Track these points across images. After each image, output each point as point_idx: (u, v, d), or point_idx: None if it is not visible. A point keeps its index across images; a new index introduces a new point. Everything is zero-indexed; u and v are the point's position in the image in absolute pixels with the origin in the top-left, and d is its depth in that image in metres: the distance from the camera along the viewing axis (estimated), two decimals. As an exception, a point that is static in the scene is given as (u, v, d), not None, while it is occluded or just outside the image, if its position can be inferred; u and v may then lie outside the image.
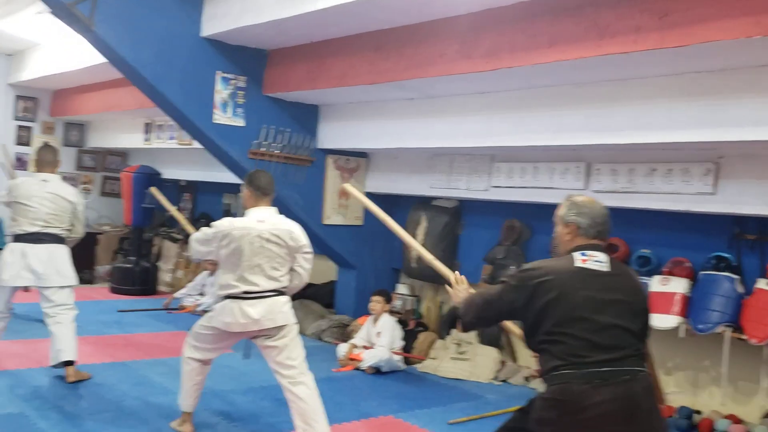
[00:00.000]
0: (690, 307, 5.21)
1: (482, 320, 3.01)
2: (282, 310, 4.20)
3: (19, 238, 5.39)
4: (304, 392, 4.15)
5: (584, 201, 2.98)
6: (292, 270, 4.30)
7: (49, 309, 5.37)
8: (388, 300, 6.57)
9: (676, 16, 3.94)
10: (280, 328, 4.18)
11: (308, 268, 4.37)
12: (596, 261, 2.82)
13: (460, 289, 3.07)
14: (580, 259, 2.83)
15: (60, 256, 5.47)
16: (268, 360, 4.27)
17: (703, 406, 5.42)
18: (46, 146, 6.00)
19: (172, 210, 5.38)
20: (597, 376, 2.64)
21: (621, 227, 5.91)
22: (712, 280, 5.17)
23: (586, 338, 2.67)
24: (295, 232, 4.24)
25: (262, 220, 4.20)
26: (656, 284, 5.37)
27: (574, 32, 4.43)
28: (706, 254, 5.36)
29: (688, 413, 5.19)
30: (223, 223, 4.23)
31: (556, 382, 2.68)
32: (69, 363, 5.31)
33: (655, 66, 4.47)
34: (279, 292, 4.23)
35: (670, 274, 5.40)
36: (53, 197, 5.50)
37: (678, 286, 5.27)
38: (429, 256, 3.46)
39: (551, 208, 5.97)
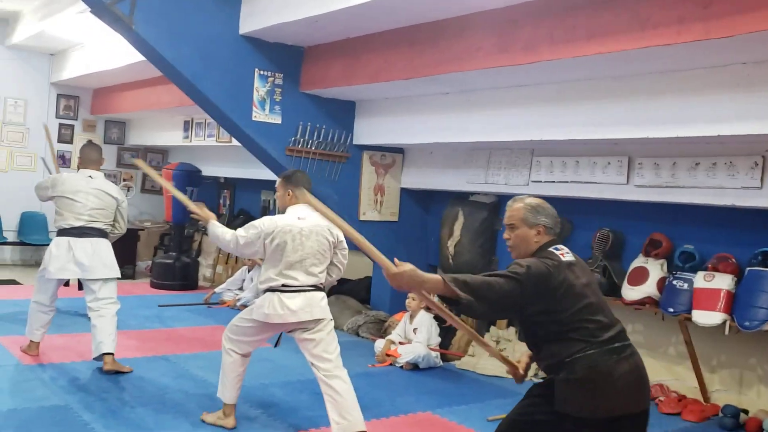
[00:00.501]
0: (735, 304, 5.09)
1: (492, 314, 3.09)
2: (320, 304, 4.31)
3: (65, 232, 5.50)
4: (339, 386, 4.22)
5: (541, 202, 3.22)
6: (330, 264, 4.46)
7: (93, 303, 5.47)
8: (426, 296, 6.53)
9: (720, 5, 3.84)
10: (317, 321, 4.28)
11: (345, 263, 4.55)
12: (567, 253, 3.03)
13: (404, 269, 2.90)
14: (559, 254, 3.00)
15: (105, 249, 5.59)
16: (305, 353, 4.35)
17: (749, 405, 5.30)
18: (90, 144, 6.17)
19: (166, 184, 5.39)
20: (613, 351, 2.86)
21: (663, 222, 5.83)
22: (758, 277, 5.04)
23: (596, 320, 2.90)
24: (333, 228, 4.31)
25: (303, 218, 4.32)
26: (700, 280, 5.26)
27: (614, 24, 4.35)
28: (753, 250, 5.24)
29: (734, 412, 5.08)
30: (265, 223, 4.33)
31: (585, 363, 2.82)
32: (108, 354, 5.43)
33: (698, 57, 4.37)
34: (316, 288, 4.34)
35: (715, 270, 5.29)
36: (98, 193, 5.64)
37: (723, 282, 5.15)
38: (356, 235, 3.30)
39: (593, 203, 5.90)
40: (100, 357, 5.38)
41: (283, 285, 4.23)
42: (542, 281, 2.86)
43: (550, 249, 3.03)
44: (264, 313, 4.26)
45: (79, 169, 5.85)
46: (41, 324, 5.66)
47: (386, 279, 2.95)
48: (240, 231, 4.37)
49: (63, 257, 5.42)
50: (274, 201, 10.03)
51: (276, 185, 4.62)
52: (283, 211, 4.53)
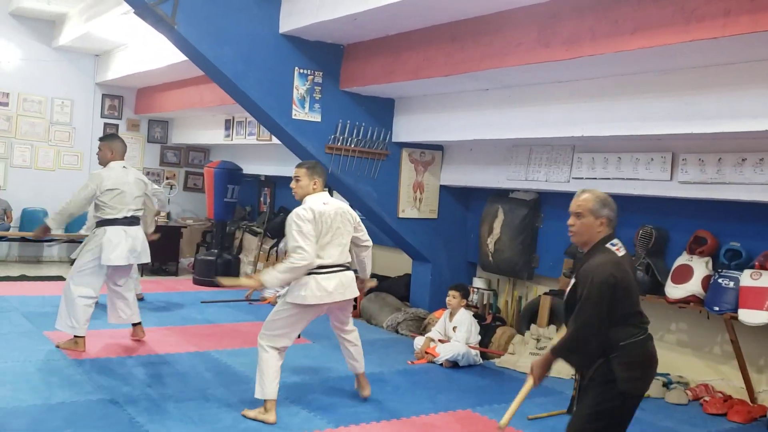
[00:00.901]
0: (783, 302, 4.98)
1: (596, 336, 3.24)
2: (351, 284, 4.79)
3: (115, 222, 5.85)
4: (354, 337, 5.06)
5: (607, 197, 3.44)
6: (357, 246, 5.00)
7: (124, 284, 6.10)
8: (465, 295, 6.52)
9: (769, -3, 3.75)
10: (348, 300, 4.83)
11: (368, 241, 5.10)
12: (621, 248, 3.33)
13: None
14: (615, 249, 3.32)
15: (144, 236, 6.13)
16: (331, 318, 4.93)
17: (797, 407, 5.18)
18: (117, 136, 6.43)
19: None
20: (651, 338, 3.36)
21: (709, 219, 5.72)
22: (807, 275, 4.92)
23: (640, 309, 3.34)
24: (350, 209, 4.89)
25: (326, 203, 4.71)
26: (747, 279, 5.15)
27: (658, 17, 4.28)
28: (801, 247, 5.12)
29: (781, 413, 4.97)
30: (307, 214, 4.57)
31: (640, 347, 3.27)
32: (138, 324, 6.27)
33: (745, 51, 4.27)
34: (347, 267, 4.77)
35: (762, 268, 5.17)
36: (137, 182, 6.07)
37: (770, 280, 5.04)
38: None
39: (635, 200, 5.82)
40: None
41: (319, 266, 4.54)
42: (611, 291, 3.19)
43: (608, 245, 3.33)
44: (301, 295, 4.51)
45: (108, 162, 6.04)
46: (87, 317, 5.83)
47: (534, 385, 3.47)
48: (296, 244, 4.43)
49: (123, 245, 5.80)
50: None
51: (297, 174, 4.77)
52: (300, 199, 4.75)
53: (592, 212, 3.37)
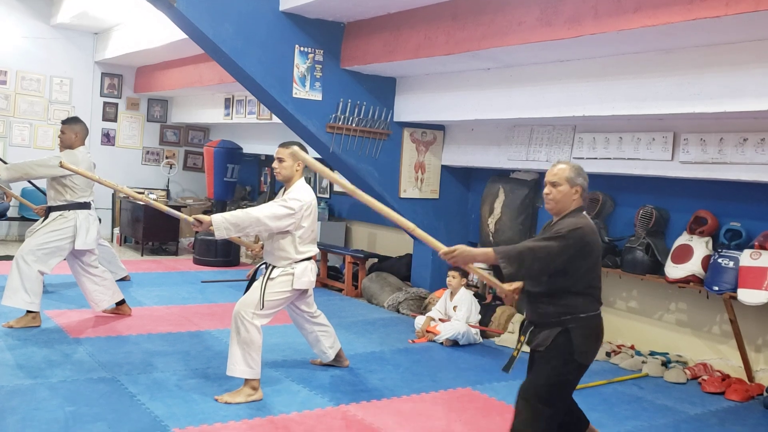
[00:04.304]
0: (783, 282, 4.99)
1: (542, 273, 3.38)
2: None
3: (86, 205, 5.99)
4: (324, 318, 5.10)
5: (580, 166, 3.59)
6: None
7: (94, 259, 6.19)
8: (465, 274, 6.53)
9: (773, -25, 3.72)
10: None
11: None
12: (592, 219, 3.47)
13: (460, 251, 3.47)
14: (589, 218, 3.49)
15: None
16: (298, 305, 4.91)
17: (795, 386, 5.21)
18: (79, 119, 6.17)
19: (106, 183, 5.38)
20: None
21: (709, 199, 5.72)
22: (807, 255, 4.93)
23: (600, 284, 3.52)
24: None
25: (310, 190, 4.74)
26: (746, 258, 5.16)
27: (661, -4, 4.25)
28: (801, 228, 5.12)
29: (779, 392, 5.00)
30: (306, 197, 4.62)
31: (596, 320, 3.46)
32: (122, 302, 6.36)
33: (748, 30, 4.24)
34: None
35: (762, 248, 5.18)
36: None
37: (770, 260, 5.05)
38: (411, 226, 3.90)
39: (636, 179, 5.81)
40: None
41: (314, 255, 4.75)
42: (581, 244, 3.33)
43: (583, 213, 3.51)
44: (309, 281, 4.70)
45: (71, 145, 5.95)
46: (41, 292, 5.92)
47: (442, 258, 3.48)
48: (277, 203, 4.54)
49: (93, 229, 6.01)
50: (316, 178, 10.08)
51: (281, 155, 4.63)
52: (284, 180, 4.70)
53: (568, 180, 3.50)
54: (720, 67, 4.67)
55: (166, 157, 12.03)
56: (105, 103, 11.47)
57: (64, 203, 5.87)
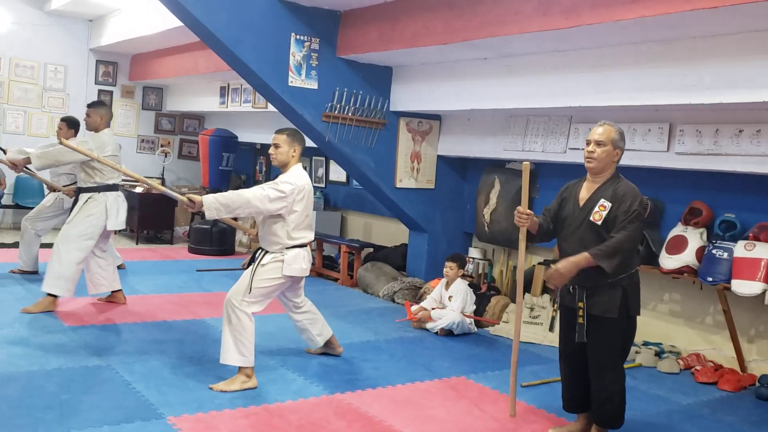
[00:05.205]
0: (776, 273, 5.01)
1: (635, 251, 3.84)
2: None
3: (114, 187, 6.12)
4: (311, 305, 5.10)
5: (623, 130, 3.78)
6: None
7: (110, 247, 6.45)
8: (462, 265, 6.54)
9: (770, -34, 3.72)
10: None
11: None
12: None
13: (563, 267, 3.75)
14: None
15: None
16: (287, 293, 4.90)
17: (787, 376, 5.24)
18: (104, 103, 6.54)
19: (102, 160, 5.43)
20: None
21: (704, 190, 5.74)
22: (801, 246, 4.95)
23: None
24: None
25: (304, 175, 4.71)
26: (740, 250, 5.17)
27: (659, -14, 4.24)
28: (796, 219, 5.14)
29: (771, 383, 5.03)
30: (298, 181, 4.61)
31: (638, 274, 3.81)
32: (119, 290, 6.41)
33: (745, 21, 4.24)
34: None
35: (756, 239, 5.20)
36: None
37: (764, 251, 5.07)
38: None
39: (631, 170, 5.81)
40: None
41: (309, 241, 4.72)
42: (644, 201, 3.68)
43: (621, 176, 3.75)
44: (301, 268, 4.65)
45: (97, 128, 6.09)
46: None
47: (549, 283, 3.84)
48: (269, 186, 4.50)
49: (122, 210, 6.14)
50: (311, 170, 10.07)
51: (277, 141, 4.68)
52: (280, 166, 4.71)
53: (612, 142, 3.68)
54: (716, 59, 4.67)
55: (161, 146, 11.99)
56: (100, 91, 11.42)
57: (94, 185, 6.02)
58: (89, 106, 6.23)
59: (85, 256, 5.96)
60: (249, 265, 4.73)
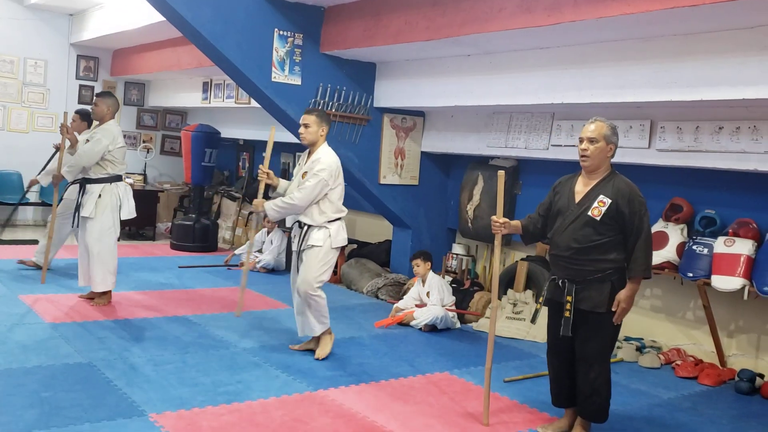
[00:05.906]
0: (755, 269, 5.07)
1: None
2: None
3: (121, 178, 6.24)
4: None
5: (615, 126, 3.82)
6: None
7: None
8: (427, 258, 6.55)
9: (750, -36, 3.75)
10: None
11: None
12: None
13: (624, 299, 3.79)
14: None
15: None
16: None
17: (766, 370, 5.31)
18: (112, 94, 6.61)
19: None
20: None
21: (685, 187, 5.78)
22: (780, 242, 5.00)
23: None
24: None
25: (333, 152, 5.04)
26: (720, 245, 5.23)
27: (640, -16, 4.27)
28: (774, 215, 5.19)
29: (750, 376, 5.09)
30: (330, 159, 4.96)
31: (624, 271, 3.84)
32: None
33: (725, 18, 4.28)
34: None
35: (735, 235, 5.26)
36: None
37: (743, 247, 5.13)
38: None
39: (614, 167, 5.87)
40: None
41: (345, 214, 5.10)
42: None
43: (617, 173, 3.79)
44: (344, 237, 5.09)
45: (104, 118, 6.16)
46: None
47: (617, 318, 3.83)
48: (308, 180, 4.85)
49: (131, 199, 6.25)
50: (295, 163, 10.04)
51: (306, 120, 4.99)
52: (309, 144, 5.02)
53: (605, 138, 3.72)
54: (697, 56, 4.72)
55: (143, 142, 11.91)
56: (81, 86, 11.31)
57: (106, 176, 6.09)
58: (98, 95, 6.40)
59: (116, 244, 6.18)
60: (288, 246, 5.29)
